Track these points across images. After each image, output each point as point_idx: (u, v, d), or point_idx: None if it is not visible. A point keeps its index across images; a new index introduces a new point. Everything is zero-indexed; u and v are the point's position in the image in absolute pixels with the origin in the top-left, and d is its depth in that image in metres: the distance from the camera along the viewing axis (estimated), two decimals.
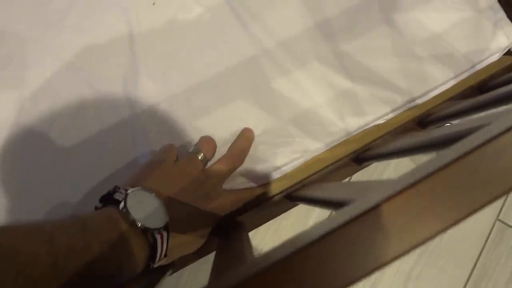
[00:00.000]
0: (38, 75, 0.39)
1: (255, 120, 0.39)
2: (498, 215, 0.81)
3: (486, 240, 0.80)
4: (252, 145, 0.38)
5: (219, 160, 0.37)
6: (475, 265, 0.80)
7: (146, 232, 0.26)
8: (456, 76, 0.42)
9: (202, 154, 0.35)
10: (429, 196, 0.12)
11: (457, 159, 0.13)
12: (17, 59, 0.39)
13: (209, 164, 0.36)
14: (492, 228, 0.81)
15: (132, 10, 0.41)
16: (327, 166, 0.40)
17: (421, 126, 0.41)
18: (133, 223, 0.26)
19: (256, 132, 0.39)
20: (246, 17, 0.41)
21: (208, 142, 0.37)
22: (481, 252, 0.80)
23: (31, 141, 0.38)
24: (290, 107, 0.39)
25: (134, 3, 0.41)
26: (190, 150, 0.36)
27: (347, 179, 0.62)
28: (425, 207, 0.12)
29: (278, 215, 0.39)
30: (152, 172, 0.33)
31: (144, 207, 0.27)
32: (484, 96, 0.29)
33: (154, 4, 0.42)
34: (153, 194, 0.29)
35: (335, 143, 0.40)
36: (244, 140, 0.38)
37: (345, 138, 0.40)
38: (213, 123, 0.39)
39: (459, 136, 0.18)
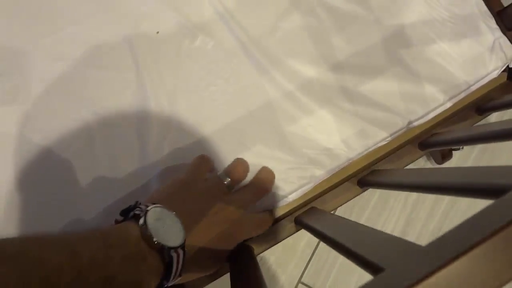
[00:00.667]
0: (42, 94, 0.40)
1: (270, 156, 0.40)
2: None
3: None
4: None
5: (245, 186, 0.37)
6: None
7: (162, 250, 0.27)
8: (453, 97, 0.44)
9: (228, 179, 0.36)
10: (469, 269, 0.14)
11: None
12: (19, 74, 0.40)
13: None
14: None
15: (136, 40, 0.42)
16: (330, 189, 0.42)
17: (421, 148, 0.42)
18: (150, 239, 0.26)
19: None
20: (257, 54, 0.42)
21: (239, 167, 0.38)
22: None
23: (41, 159, 0.39)
24: (303, 142, 0.41)
25: (138, 34, 0.42)
26: (219, 173, 0.37)
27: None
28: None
29: (285, 238, 0.41)
30: (176, 190, 0.34)
31: (162, 225, 0.28)
32: (487, 128, 0.30)
33: (158, 33, 0.42)
34: (173, 213, 0.29)
35: (339, 168, 0.41)
36: (268, 172, 0.39)
37: (348, 162, 0.41)
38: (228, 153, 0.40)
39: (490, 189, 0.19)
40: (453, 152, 0.74)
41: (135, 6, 0.42)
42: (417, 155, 0.43)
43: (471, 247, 0.14)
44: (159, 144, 0.40)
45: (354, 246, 0.20)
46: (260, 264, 0.72)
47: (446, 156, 0.66)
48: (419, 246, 0.17)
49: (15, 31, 0.41)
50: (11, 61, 0.40)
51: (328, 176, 0.41)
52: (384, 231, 0.22)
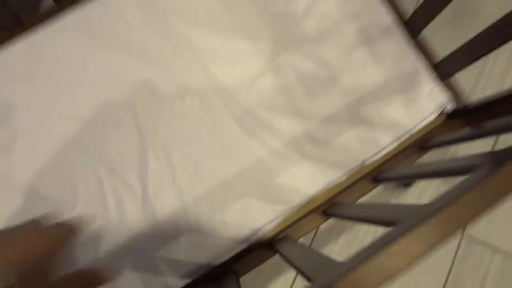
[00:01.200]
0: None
1: (247, 193, 0.49)
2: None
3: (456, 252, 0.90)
4: (241, 207, 0.49)
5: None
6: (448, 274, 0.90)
7: None
8: (399, 138, 0.53)
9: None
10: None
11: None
12: (33, 130, 0.50)
13: None
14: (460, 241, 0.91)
15: (136, 101, 0.51)
16: (299, 219, 0.51)
17: (374, 182, 0.51)
18: None
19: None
20: (236, 111, 0.52)
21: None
22: (452, 262, 0.89)
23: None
24: (275, 183, 0.50)
25: (137, 96, 0.51)
26: None
27: None
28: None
29: (266, 260, 0.49)
30: None
31: None
32: (430, 167, 0.40)
33: (154, 94, 0.52)
34: None
35: (305, 202, 0.50)
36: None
37: (313, 197, 0.50)
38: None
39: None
40: None
41: (132, 72, 0.52)
42: (370, 188, 0.52)
43: (362, 263, 0.23)
44: (158, 187, 0.49)
45: (301, 264, 0.30)
46: (251, 283, 0.79)
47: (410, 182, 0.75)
48: (337, 262, 0.27)
49: (33, 92, 0.51)
50: (28, 118, 0.50)
51: (296, 209, 0.50)
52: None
